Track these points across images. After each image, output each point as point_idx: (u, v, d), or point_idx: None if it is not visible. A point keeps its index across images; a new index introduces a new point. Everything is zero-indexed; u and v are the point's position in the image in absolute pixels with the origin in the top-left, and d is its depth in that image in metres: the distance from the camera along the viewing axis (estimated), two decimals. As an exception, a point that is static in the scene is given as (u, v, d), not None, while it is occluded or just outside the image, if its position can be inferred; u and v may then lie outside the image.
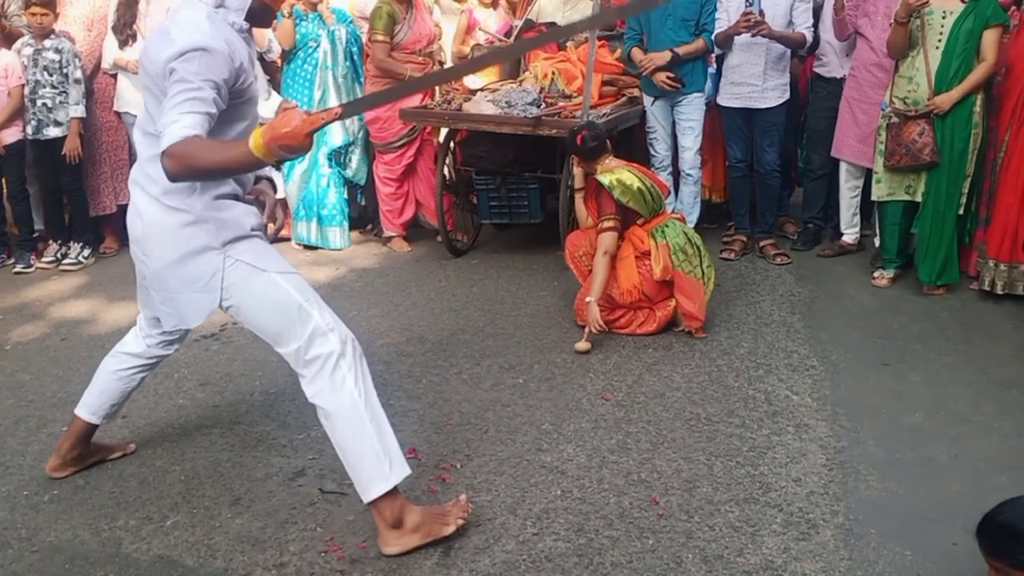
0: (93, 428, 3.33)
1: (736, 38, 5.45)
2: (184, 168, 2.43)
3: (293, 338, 2.76)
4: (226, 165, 2.49)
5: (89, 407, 3.29)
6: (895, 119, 4.98)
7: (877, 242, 5.58)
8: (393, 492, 2.81)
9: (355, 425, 2.76)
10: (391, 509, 2.81)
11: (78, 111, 5.73)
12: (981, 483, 3.23)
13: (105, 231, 6.27)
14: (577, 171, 4.81)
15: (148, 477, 3.33)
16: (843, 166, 5.72)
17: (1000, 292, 4.91)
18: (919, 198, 5.07)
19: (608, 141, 4.74)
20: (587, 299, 4.46)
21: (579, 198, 4.88)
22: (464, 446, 3.52)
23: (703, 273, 4.61)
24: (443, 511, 2.92)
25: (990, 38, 4.77)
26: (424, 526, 2.85)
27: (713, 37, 5.53)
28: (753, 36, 5.32)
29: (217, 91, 2.55)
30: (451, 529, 2.87)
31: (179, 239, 2.76)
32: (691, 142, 5.73)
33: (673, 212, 4.97)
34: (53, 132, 5.71)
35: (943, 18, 4.83)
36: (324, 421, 2.81)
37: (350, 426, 2.76)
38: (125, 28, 5.78)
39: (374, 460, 2.77)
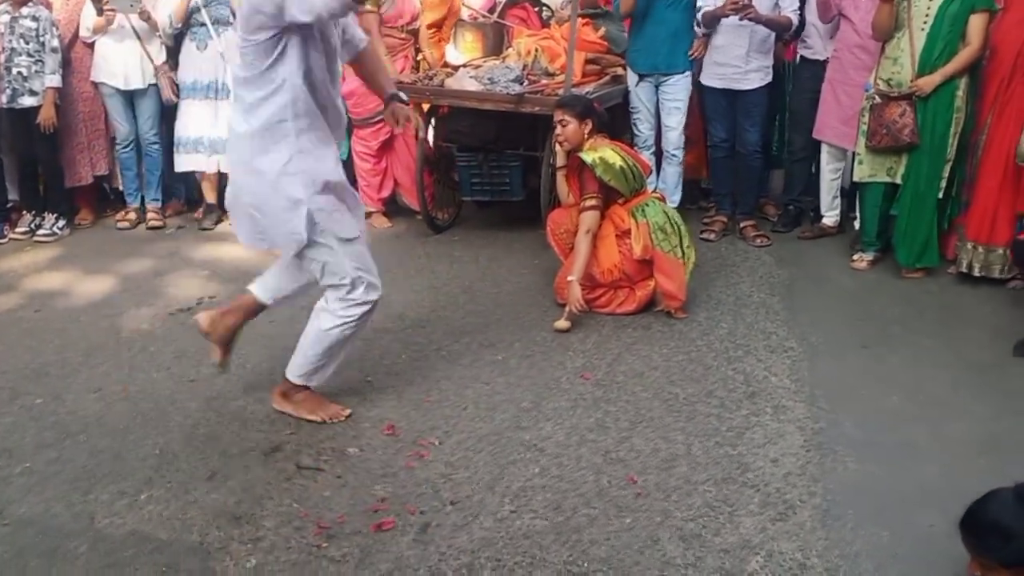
0: (261, 308, 3.61)
1: (722, 19, 5.41)
2: None
3: None
4: None
5: (265, 287, 3.58)
6: (878, 100, 4.98)
7: (857, 224, 5.60)
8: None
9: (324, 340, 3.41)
10: (288, 386, 3.52)
11: (54, 80, 5.63)
12: (958, 466, 3.25)
13: (80, 202, 6.19)
14: (560, 148, 4.78)
15: (122, 451, 3.29)
16: (824, 148, 5.71)
17: (977, 275, 4.93)
18: (899, 180, 5.07)
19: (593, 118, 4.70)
20: (568, 278, 4.44)
21: (561, 176, 4.86)
22: (443, 423, 3.51)
23: (683, 253, 4.60)
24: (325, 403, 3.54)
25: (976, 23, 4.77)
26: (304, 403, 3.51)
27: (699, 16, 5.50)
28: (741, 20, 5.30)
29: None
30: (320, 416, 3.49)
31: None
32: (676, 122, 5.71)
33: (654, 191, 4.95)
34: (28, 101, 5.62)
35: (930, 0, 4.82)
36: (313, 315, 3.42)
37: (320, 338, 3.40)
38: (103, -4, 5.69)
39: (302, 364, 3.46)
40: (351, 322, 3.37)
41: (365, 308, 3.38)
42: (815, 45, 5.72)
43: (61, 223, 5.91)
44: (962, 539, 2.49)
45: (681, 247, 4.59)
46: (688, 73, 5.68)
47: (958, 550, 2.56)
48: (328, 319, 3.36)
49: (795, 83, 5.97)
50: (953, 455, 3.34)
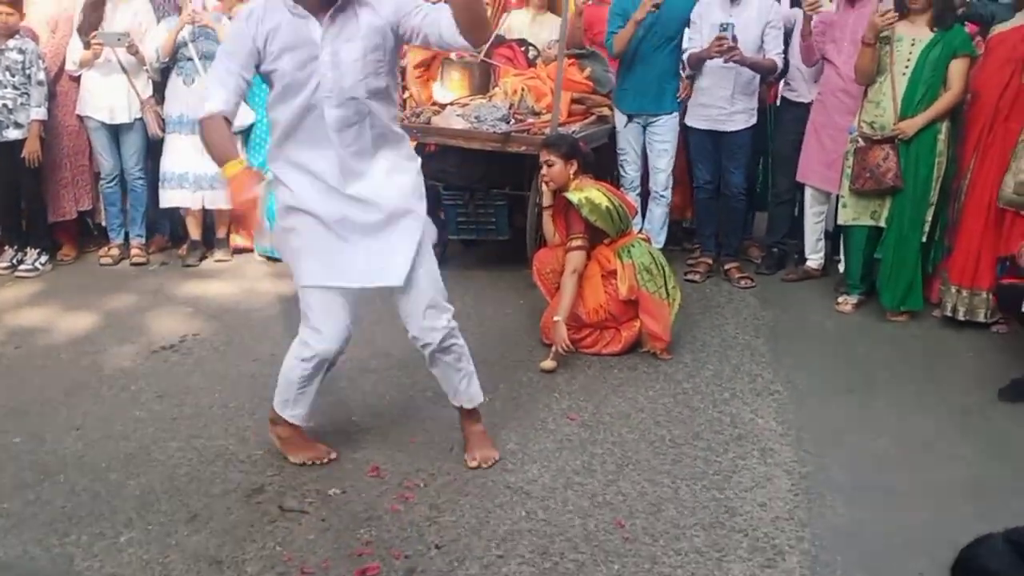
0: None
1: (707, 61, 5.47)
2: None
3: None
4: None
5: None
6: (861, 143, 5.02)
7: (842, 267, 5.62)
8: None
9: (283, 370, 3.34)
10: (273, 413, 3.42)
11: (39, 113, 5.60)
12: (946, 511, 3.24)
13: (62, 238, 6.14)
14: (546, 188, 4.79)
15: (102, 491, 3.24)
16: (808, 191, 5.75)
17: (962, 319, 4.95)
18: (884, 224, 5.11)
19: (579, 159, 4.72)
20: (554, 318, 4.43)
21: (547, 215, 4.86)
22: (428, 464, 3.47)
23: (668, 294, 4.60)
24: (310, 444, 3.46)
25: (957, 68, 4.84)
26: (288, 441, 3.43)
27: (685, 58, 5.56)
28: (725, 62, 5.35)
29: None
30: (301, 458, 3.42)
31: None
32: (664, 164, 5.74)
33: (639, 232, 4.97)
34: (13, 134, 5.58)
35: (911, 45, 4.89)
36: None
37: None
38: (91, 30, 5.67)
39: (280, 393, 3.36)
40: (291, 361, 3.29)
41: (303, 355, 3.25)
42: (799, 88, 5.78)
43: (43, 258, 5.85)
44: (953, 587, 2.47)
45: (666, 288, 4.60)
46: (675, 114, 5.72)
47: (948, 598, 2.54)
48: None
49: (778, 125, 6.02)
50: (940, 500, 3.33)
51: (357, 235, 3.09)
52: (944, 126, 4.93)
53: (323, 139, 3.00)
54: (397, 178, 3.15)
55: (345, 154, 3.02)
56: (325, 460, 3.44)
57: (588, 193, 4.53)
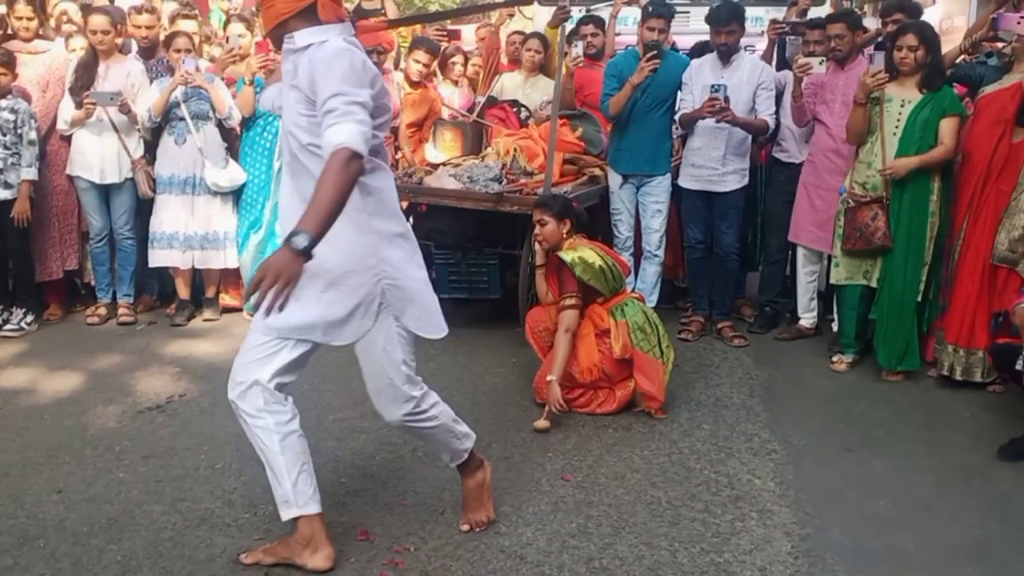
0: None
1: (699, 121, 5.49)
2: None
3: None
4: None
5: None
6: (852, 203, 5.03)
7: (835, 326, 5.59)
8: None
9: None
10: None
11: (31, 173, 5.58)
12: (949, 574, 3.16)
13: (49, 297, 6.08)
14: (539, 247, 4.76)
15: (83, 557, 3.14)
16: (800, 251, 5.75)
17: (959, 378, 4.91)
18: (875, 284, 5.10)
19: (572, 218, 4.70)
20: (548, 377, 4.37)
21: (540, 274, 4.83)
22: (419, 528, 3.38)
23: (662, 352, 4.56)
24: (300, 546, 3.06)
25: (947, 126, 4.86)
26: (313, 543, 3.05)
27: (677, 118, 5.59)
28: (718, 122, 5.37)
29: None
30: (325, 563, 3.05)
31: None
32: (658, 224, 5.75)
33: (632, 291, 4.94)
34: (3, 194, 5.54)
35: (901, 106, 4.92)
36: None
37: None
38: (83, 90, 5.68)
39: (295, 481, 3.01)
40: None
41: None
42: (790, 148, 5.81)
43: (29, 318, 5.79)
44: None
45: (660, 347, 4.56)
46: (668, 175, 5.74)
47: (956, 666, 2.47)
48: None
49: (769, 185, 6.04)
50: (943, 563, 3.26)
51: None
52: (936, 186, 4.94)
53: None
54: None
55: None
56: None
57: (581, 252, 4.51)
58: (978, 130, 4.91)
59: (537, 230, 4.64)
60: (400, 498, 3.61)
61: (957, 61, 5.26)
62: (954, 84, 5.12)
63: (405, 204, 5.79)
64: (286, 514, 3.01)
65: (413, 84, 6.50)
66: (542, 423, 4.31)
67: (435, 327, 3.16)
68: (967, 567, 3.22)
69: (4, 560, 3.10)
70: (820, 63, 5.28)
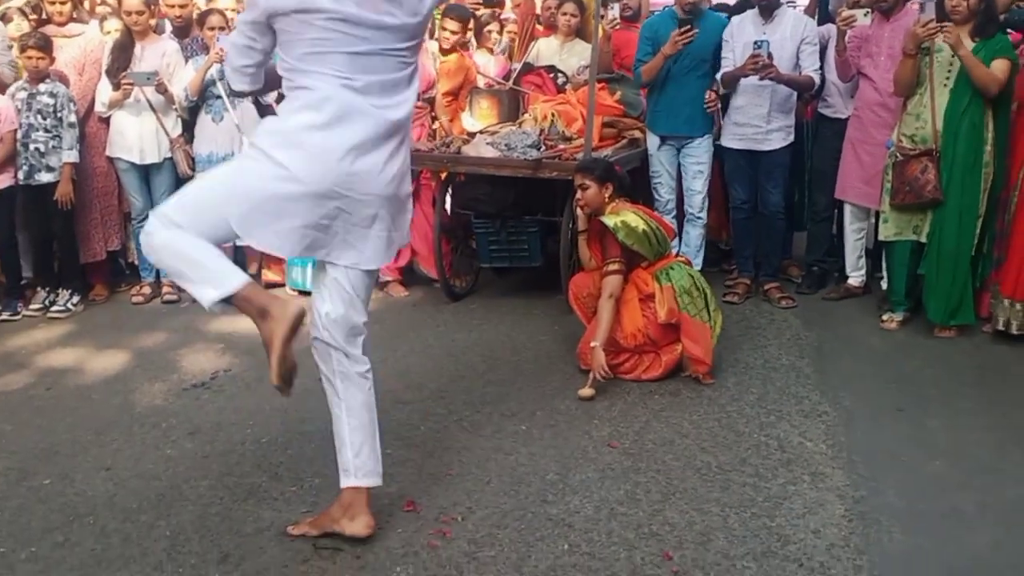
0: None
1: (742, 79, 5.37)
2: None
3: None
4: None
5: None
6: (900, 157, 4.90)
7: (884, 284, 5.47)
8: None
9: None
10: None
11: (72, 156, 5.61)
12: (1012, 536, 3.08)
13: (94, 278, 6.13)
14: (581, 213, 4.69)
15: (132, 533, 3.15)
16: (848, 208, 5.63)
17: (1016, 332, 4.78)
18: (924, 239, 4.97)
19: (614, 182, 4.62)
20: (592, 344, 4.32)
21: (583, 240, 4.76)
22: (465, 498, 3.35)
23: (709, 316, 4.48)
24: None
25: (999, 64, 4.69)
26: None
27: (719, 76, 5.46)
28: (761, 79, 5.25)
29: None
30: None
31: None
32: (700, 185, 5.65)
33: (678, 255, 4.85)
34: (45, 177, 5.58)
35: (953, 56, 4.75)
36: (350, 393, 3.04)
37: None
38: (119, 72, 5.68)
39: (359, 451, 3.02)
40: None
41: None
42: (835, 103, 5.67)
43: (75, 299, 5.84)
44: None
45: (708, 310, 4.47)
46: (709, 136, 5.63)
47: (1020, 627, 2.39)
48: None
49: (816, 142, 5.91)
50: (1006, 524, 3.16)
51: None
52: (990, 136, 4.79)
53: None
54: None
55: None
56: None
57: (624, 217, 4.43)
58: (1034, 80, 4.75)
59: (579, 195, 4.57)
60: (446, 468, 3.59)
61: (1012, 7, 5.08)
62: (1008, 31, 4.94)
63: (444, 174, 5.77)
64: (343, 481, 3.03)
65: (445, 52, 6.43)
66: (587, 391, 4.25)
67: None
68: (1030, 527, 3.14)
69: (55, 537, 3.12)
70: (864, 15, 5.13)
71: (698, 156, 5.62)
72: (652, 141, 5.74)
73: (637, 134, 5.88)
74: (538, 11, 7.17)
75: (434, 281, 5.98)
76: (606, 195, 4.50)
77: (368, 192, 2.79)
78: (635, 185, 5.90)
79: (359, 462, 3.00)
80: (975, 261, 4.94)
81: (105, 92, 5.81)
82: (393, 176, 2.87)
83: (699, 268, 5.45)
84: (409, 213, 3.05)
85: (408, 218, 3.04)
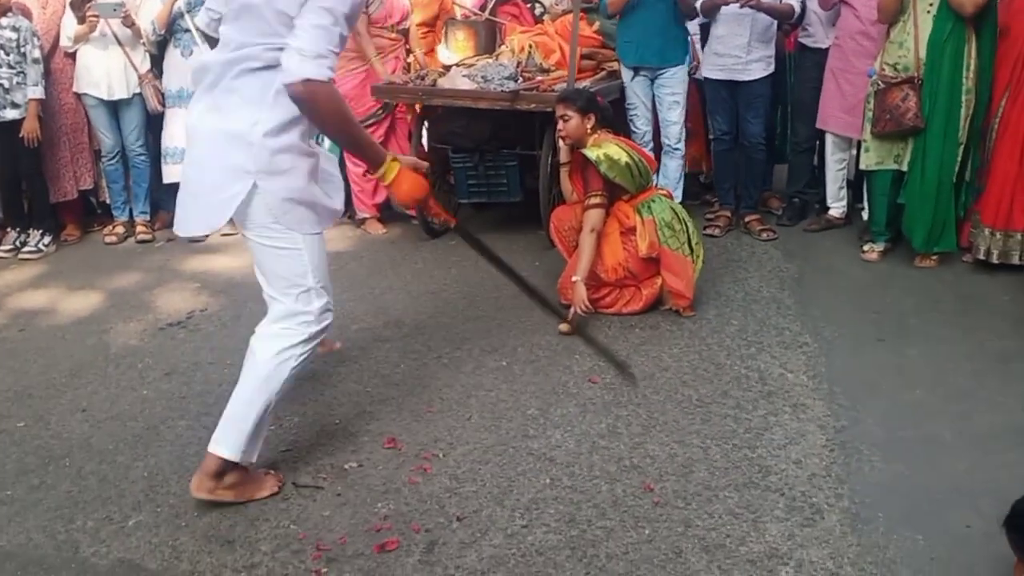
0: None
1: (722, 8, 5.26)
2: (317, 110, 2.57)
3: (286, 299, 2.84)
4: (350, 139, 2.70)
5: None
6: (882, 85, 4.84)
7: (866, 215, 5.45)
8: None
9: (260, 395, 2.84)
10: (221, 463, 2.85)
11: (36, 92, 5.47)
12: (989, 461, 3.09)
13: (65, 218, 6.02)
14: (563, 144, 4.61)
15: (109, 474, 3.12)
16: (829, 138, 5.57)
17: (995, 262, 4.78)
18: (906, 168, 4.93)
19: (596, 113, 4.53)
20: (573, 278, 4.28)
21: (564, 173, 4.69)
22: (446, 434, 3.34)
23: (691, 250, 4.44)
24: (258, 477, 2.97)
25: None
26: (240, 486, 2.89)
27: (698, 5, 5.35)
28: (741, 7, 5.14)
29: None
30: (265, 493, 2.92)
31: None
32: (676, 116, 5.55)
33: (660, 188, 4.79)
34: (10, 114, 5.44)
35: (936, -18, 4.67)
36: (247, 363, 2.90)
37: (258, 391, 2.84)
38: (84, 3, 5.51)
39: (246, 433, 2.84)
40: (278, 366, 2.85)
41: (309, 332, 2.87)
42: (816, 33, 5.57)
43: (47, 239, 5.74)
44: (1008, 540, 2.33)
45: (689, 244, 4.43)
46: (682, 65, 5.53)
47: (999, 551, 2.42)
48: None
49: (797, 73, 5.83)
50: (983, 450, 3.18)
51: None
52: (972, 63, 4.72)
53: None
54: None
55: None
56: (278, 488, 2.98)
57: (607, 149, 4.36)
58: (1017, 5, 4.67)
59: (560, 126, 4.49)
60: (426, 405, 3.56)
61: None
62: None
63: (419, 108, 5.66)
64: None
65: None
66: (567, 326, 4.23)
67: None
68: (1007, 453, 3.14)
69: (31, 480, 3.09)
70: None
71: (672, 86, 5.51)
72: (626, 73, 5.63)
73: (615, 65, 5.77)
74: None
75: (412, 218, 5.91)
76: (588, 126, 4.43)
77: None
78: (616, 117, 5.83)
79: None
80: (956, 189, 4.91)
81: (70, 25, 5.65)
82: None
83: (679, 200, 5.41)
84: None
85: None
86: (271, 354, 2.83)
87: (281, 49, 2.55)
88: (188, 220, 2.89)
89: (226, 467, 2.85)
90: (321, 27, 2.51)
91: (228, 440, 2.84)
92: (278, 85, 2.58)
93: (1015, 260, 4.74)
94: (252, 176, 2.67)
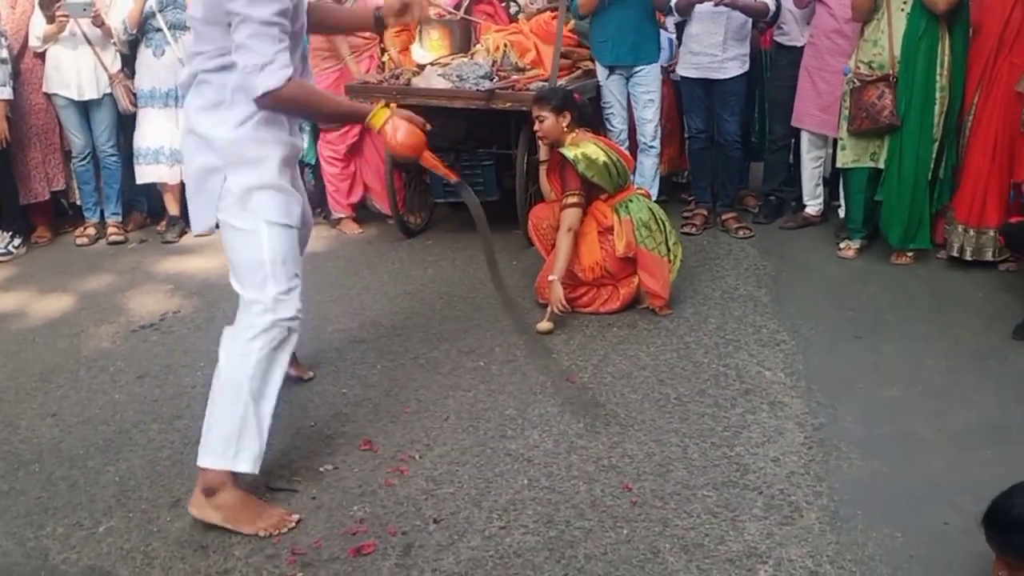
0: None
1: (697, 6, 5.25)
2: (289, 110, 2.75)
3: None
4: (329, 115, 2.98)
5: None
6: (857, 83, 4.85)
7: (842, 212, 5.46)
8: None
9: (231, 395, 2.75)
10: (214, 479, 2.75)
11: (5, 93, 5.39)
12: (966, 458, 3.09)
13: (36, 220, 5.94)
14: (542, 144, 4.59)
15: (79, 479, 3.07)
16: (805, 136, 5.58)
17: (969, 259, 4.79)
18: (883, 165, 4.95)
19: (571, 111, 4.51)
20: (550, 278, 4.26)
21: (543, 171, 4.67)
22: (423, 435, 3.30)
23: (668, 250, 4.42)
24: (261, 510, 2.80)
25: None
26: (229, 510, 2.74)
27: (673, 4, 5.34)
28: (716, 5, 5.14)
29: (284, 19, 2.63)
30: (249, 530, 2.73)
31: None
32: (651, 114, 5.55)
33: (638, 188, 4.78)
34: (-22, 115, 5.37)
35: (910, -20, 4.68)
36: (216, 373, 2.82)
37: (226, 393, 2.76)
38: (53, 3, 5.43)
39: (225, 437, 2.74)
40: (246, 357, 2.76)
41: (278, 317, 2.78)
42: (791, 31, 5.58)
43: (17, 241, 5.66)
44: (986, 537, 2.33)
45: (667, 244, 4.42)
46: (657, 64, 5.53)
47: (977, 548, 2.41)
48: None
49: (772, 71, 5.84)
50: (960, 447, 3.18)
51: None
52: (946, 59, 4.74)
53: None
54: None
55: None
56: (290, 525, 2.77)
57: (585, 148, 4.34)
58: (989, 1, 4.68)
59: (536, 126, 4.47)
60: (403, 406, 3.53)
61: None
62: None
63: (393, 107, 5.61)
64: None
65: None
66: (545, 324, 4.21)
67: None
68: (983, 450, 3.15)
69: (0, 485, 3.04)
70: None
71: (647, 85, 5.51)
72: (601, 71, 5.62)
73: (591, 64, 5.76)
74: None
75: (388, 217, 5.87)
76: (563, 124, 4.41)
77: None
78: (593, 116, 5.81)
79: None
80: (931, 186, 4.93)
81: (39, 25, 5.58)
82: None
83: (655, 198, 5.40)
84: None
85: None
86: (233, 352, 2.78)
87: (225, 54, 2.65)
88: (194, 218, 2.96)
89: (217, 483, 2.73)
90: (254, 36, 2.56)
91: (208, 447, 2.76)
92: (233, 83, 2.66)
93: (988, 257, 4.76)
94: (222, 171, 2.76)
